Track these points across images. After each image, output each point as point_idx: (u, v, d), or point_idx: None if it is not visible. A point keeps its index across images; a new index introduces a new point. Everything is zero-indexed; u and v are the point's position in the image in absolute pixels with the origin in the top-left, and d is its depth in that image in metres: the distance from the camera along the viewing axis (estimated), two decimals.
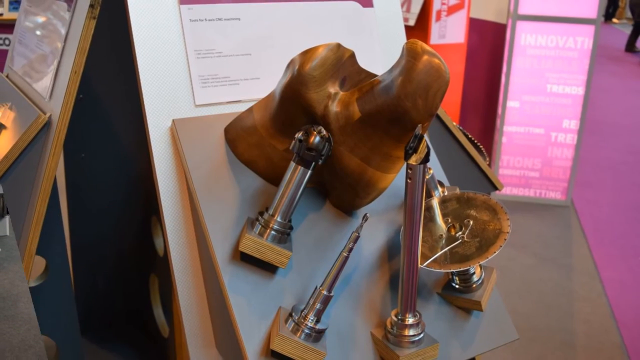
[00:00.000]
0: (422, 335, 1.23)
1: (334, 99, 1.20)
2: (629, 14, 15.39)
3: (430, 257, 1.29)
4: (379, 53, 1.66)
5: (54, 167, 1.49)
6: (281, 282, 1.24)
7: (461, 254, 1.28)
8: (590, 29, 4.37)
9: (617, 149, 6.14)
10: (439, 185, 1.46)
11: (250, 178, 1.33)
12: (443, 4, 4.55)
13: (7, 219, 1.46)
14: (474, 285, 1.35)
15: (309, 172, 1.19)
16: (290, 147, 1.18)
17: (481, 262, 1.25)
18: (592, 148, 6.01)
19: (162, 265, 2.36)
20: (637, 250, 4.05)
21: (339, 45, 1.21)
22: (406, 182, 1.15)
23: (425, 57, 1.13)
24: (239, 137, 1.33)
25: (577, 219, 4.47)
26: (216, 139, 1.36)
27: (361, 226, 1.17)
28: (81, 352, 1.90)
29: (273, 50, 1.51)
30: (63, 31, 1.55)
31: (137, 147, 2.42)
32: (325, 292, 1.16)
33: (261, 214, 1.22)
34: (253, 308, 1.20)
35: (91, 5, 1.42)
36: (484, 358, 2.57)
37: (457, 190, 1.45)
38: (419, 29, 4.64)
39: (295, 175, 1.18)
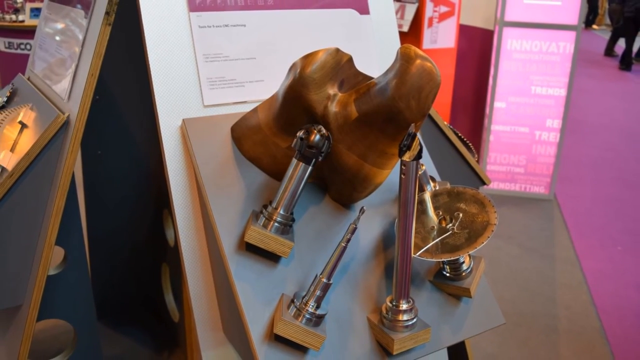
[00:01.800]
0: (415, 320, 1.23)
1: (333, 99, 1.20)
2: (608, 21, 15.39)
3: (423, 247, 1.29)
4: (375, 57, 1.66)
5: (72, 164, 1.49)
6: (284, 270, 1.24)
7: (451, 244, 1.28)
8: (571, 35, 4.37)
9: (597, 146, 6.14)
10: (430, 180, 1.46)
11: (255, 173, 1.33)
12: (435, 11, 4.55)
13: None
14: (464, 274, 1.35)
15: (310, 168, 1.19)
16: (292, 145, 1.18)
17: (470, 252, 1.25)
18: (574, 145, 6.01)
19: (172, 254, 2.36)
20: (616, 240, 4.05)
21: (337, 50, 1.20)
22: (400, 177, 1.15)
23: (418, 61, 1.13)
24: (245, 135, 1.33)
25: (560, 212, 4.47)
26: (223, 137, 1.36)
27: (358, 218, 1.17)
28: (97, 335, 1.91)
29: (276, 55, 1.51)
30: (80, 37, 1.55)
31: (149, 144, 2.42)
32: (324, 280, 1.16)
33: (265, 207, 1.22)
34: (257, 295, 1.20)
35: (107, 13, 1.42)
36: (472, 341, 2.57)
37: (448, 185, 1.45)
38: (412, 34, 4.64)
39: (297, 171, 1.18)
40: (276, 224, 1.20)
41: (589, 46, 12.94)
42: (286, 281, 1.24)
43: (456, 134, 1.90)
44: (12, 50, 6.30)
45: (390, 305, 1.23)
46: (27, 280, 1.53)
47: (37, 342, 1.69)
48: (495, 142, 4.71)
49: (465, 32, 5.10)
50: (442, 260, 1.30)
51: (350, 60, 1.24)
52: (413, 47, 1.15)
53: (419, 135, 1.15)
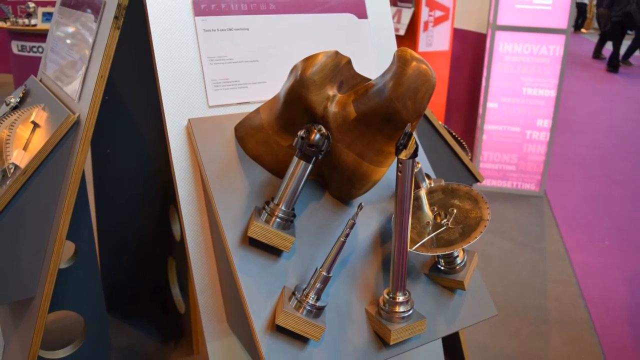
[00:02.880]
0: (411, 311, 1.23)
1: (332, 100, 1.20)
2: (595, 25, 15.38)
3: (419, 242, 1.29)
4: (373, 59, 1.65)
5: (83, 162, 1.49)
6: (285, 264, 1.24)
7: (446, 239, 1.28)
8: (561, 38, 4.36)
9: (585, 145, 6.14)
10: (426, 178, 1.46)
11: (258, 171, 1.33)
12: (430, 15, 4.54)
13: None
14: (458, 267, 1.35)
15: (310, 166, 1.19)
16: (294, 144, 1.18)
17: (464, 246, 1.25)
18: (563, 144, 6.01)
19: (179, 249, 2.36)
20: (603, 235, 4.05)
21: (337, 53, 1.20)
22: (397, 175, 1.14)
23: (414, 63, 1.13)
24: (248, 134, 1.33)
25: (550, 208, 4.47)
26: (227, 136, 1.36)
27: (357, 214, 1.17)
28: (106, 326, 1.91)
29: (278, 57, 1.51)
30: (90, 40, 1.55)
31: (156, 143, 2.42)
32: (324, 273, 1.16)
33: (267, 203, 1.22)
34: (260, 287, 1.20)
35: (115, 17, 1.42)
36: (466, 332, 2.58)
37: (443, 182, 1.45)
38: (408, 38, 4.63)
39: (298, 169, 1.18)
40: (278, 219, 1.20)
41: (578, 49, 12.93)
42: (287, 274, 1.24)
43: (450, 133, 1.90)
44: (25, 53, 6.29)
45: (387, 297, 1.23)
46: (40, 273, 1.53)
47: (48, 333, 1.69)
48: (488, 141, 4.71)
49: (459, 36, 5.09)
50: (437, 254, 1.30)
51: (349, 62, 1.24)
52: (409, 50, 1.15)
53: (415, 134, 1.15)
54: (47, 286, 1.50)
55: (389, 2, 1.72)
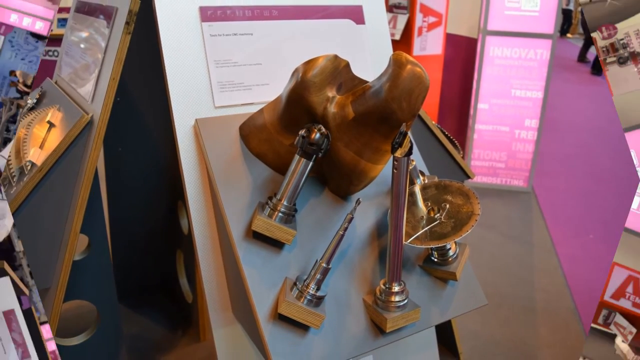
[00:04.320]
0: (406, 301, 1.23)
1: (331, 101, 1.20)
2: (580, 30, 15.37)
3: (413, 235, 1.29)
4: (370, 63, 1.65)
5: (95, 159, 1.49)
6: (287, 256, 1.24)
7: (439, 232, 1.28)
8: (547, 43, 4.36)
9: (571, 144, 6.13)
10: (420, 174, 1.46)
11: (261, 168, 1.33)
12: (424, 21, 4.54)
13: None
14: (450, 259, 1.35)
15: (311, 163, 1.19)
16: (295, 142, 1.18)
17: (456, 240, 1.25)
18: (550, 143, 6.00)
19: (186, 242, 2.36)
20: (588, 229, 4.05)
21: (336, 56, 1.20)
22: (393, 172, 1.14)
23: (409, 67, 1.13)
24: (252, 133, 1.33)
25: (537, 203, 4.47)
26: (232, 135, 1.36)
27: (355, 209, 1.17)
28: (118, 315, 1.91)
29: (280, 61, 1.51)
30: (103, 44, 1.54)
31: (165, 142, 2.42)
32: (324, 265, 1.16)
33: (270, 198, 1.22)
34: (263, 278, 1.20)
35: (126, 23, 1.42)
36: (458, 320, 2.58)
37: (436, 179, 1.45)
38: (403, 42, 4.63)
39: (299, 166, 1.18)
40: (280, 214, 1.20)
41: (564, 53, 12.91)
42: (289, 266, 1.24)
43: (443, 133, 1.89)
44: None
45: (384, 287, 1.23)
46: (55, 265, 1.53)
47: (63, 321, 1.69)
48: (478, 139, 4.71)
49: (452, 40, 5.08)
50: (431, 246, 1.30)
51: (347, 65, 1.24)
52: (404, 54, 1.15)
53: (409, 133, 1.15)
54: (62, 277, 1.50)
55: (385, 9, 1.71)
